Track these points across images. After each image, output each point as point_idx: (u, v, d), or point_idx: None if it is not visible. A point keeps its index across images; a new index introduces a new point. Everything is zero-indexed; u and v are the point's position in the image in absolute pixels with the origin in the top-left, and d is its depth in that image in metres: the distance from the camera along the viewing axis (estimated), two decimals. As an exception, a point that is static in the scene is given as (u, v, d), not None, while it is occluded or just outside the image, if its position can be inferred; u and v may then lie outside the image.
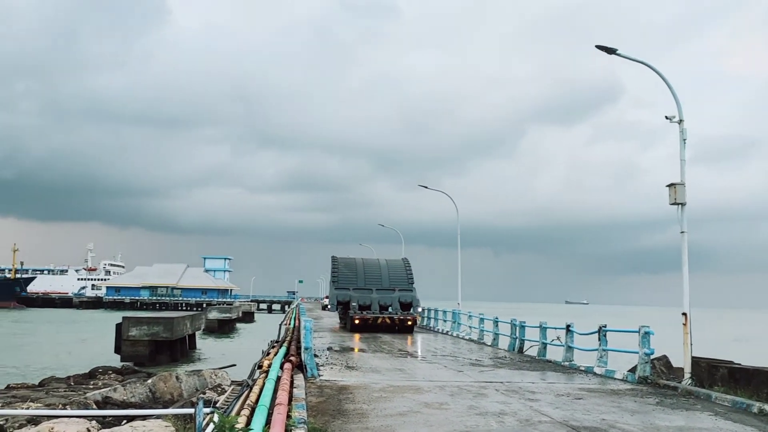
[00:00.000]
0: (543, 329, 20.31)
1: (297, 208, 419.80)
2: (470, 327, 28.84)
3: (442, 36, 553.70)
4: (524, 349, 22.06)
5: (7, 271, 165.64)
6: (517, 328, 22.46)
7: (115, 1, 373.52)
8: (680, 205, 14.69)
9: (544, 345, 20.08)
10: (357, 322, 29.29)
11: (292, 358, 14.87)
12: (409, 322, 29.93)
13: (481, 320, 27.26)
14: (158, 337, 38.94)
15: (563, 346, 18.67)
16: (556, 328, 19.71)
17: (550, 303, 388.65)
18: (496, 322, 25.03)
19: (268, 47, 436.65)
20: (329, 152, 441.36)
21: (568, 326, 18.56)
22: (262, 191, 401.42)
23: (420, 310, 33.91)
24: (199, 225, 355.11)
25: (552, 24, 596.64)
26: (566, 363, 18.05)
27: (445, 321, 33.38)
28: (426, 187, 42.61)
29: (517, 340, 22.36)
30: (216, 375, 23.54)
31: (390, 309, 30.20)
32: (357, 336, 27.28)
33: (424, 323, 37.13)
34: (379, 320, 29.44)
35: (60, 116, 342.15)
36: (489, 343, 24.99)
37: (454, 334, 30.01)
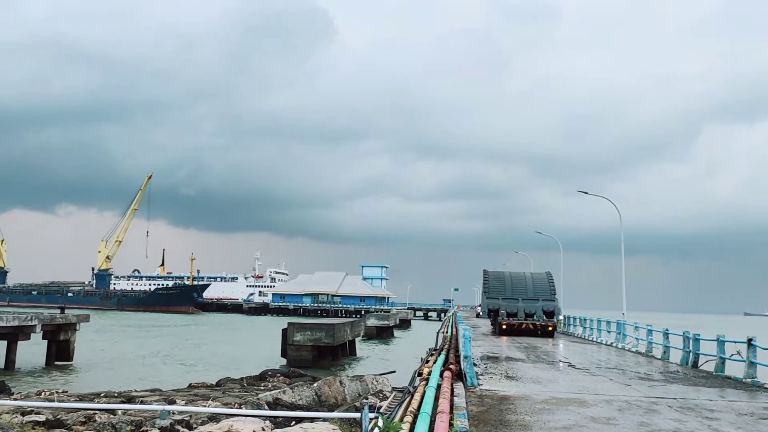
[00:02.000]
0: (720, 343, 18.77)
1: (455, 217, 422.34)
2: (637, 339, 27.37)
3: (604, 37, 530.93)
4: (699, 364, 20.54)
5: (185, 278, 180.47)
6: (691, 341, 20.96)
7: (287, 25, 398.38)
8: None
9: (722, 360, 18.55)
10: (504, 327, 33.18)
11: (451, 366, 14.88)
12: (550, 328, 33.18)
13: (649, 332, 25.77)
14: (321, 343, 40.58)
15: (744, 361, 17.17)
16: (735, 342, 18.16)
17: (727, 314, 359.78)
18: (666, 334, 23.52)
19: (427, 58, 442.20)
20: (489, 160, 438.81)
21: (749, 340, 17.03)
22: (419, 200, 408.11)
23: (561, 318, 37.90)
24: (359, 234, 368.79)
25: (721, 18, 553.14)
26: (748, 380, 16.58)
27: (609, 332, 31.95)
28: (586, 193, 41.18)
29: (691, 353, 20.85)
30: (377, 381, 24.09)
31: (534, 316, 33.35)
32: (515, 345, 26.87)
33: (566, 330, 40.27)
34: (524, 326, 33.16)
35: (237, 135, 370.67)
36: (658, 357, 23.54)
37: (619, 346, 28.64)
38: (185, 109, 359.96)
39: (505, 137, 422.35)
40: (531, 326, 33.10)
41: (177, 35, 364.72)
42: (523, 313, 33.43)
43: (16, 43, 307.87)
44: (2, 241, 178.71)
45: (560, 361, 21.01)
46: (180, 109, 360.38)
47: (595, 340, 33.33)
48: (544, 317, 33.22)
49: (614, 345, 29.37)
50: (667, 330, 23.81)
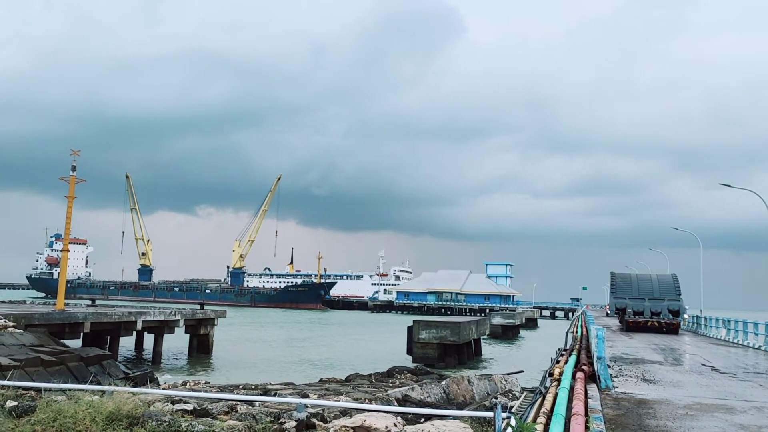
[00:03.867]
0: None
1: (584, 213, 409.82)
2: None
3: (748, 18, 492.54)
4: None
5: (313, 276, 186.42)
6: None
7: (417, 26, 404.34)
8: None
9: None
10: (630, 323, 36.06)
11: (584, 367, 14.43)
12: (674, 325, 35.78)
13: (803, 335, 23.76)
14: (446, 341, 40.61)
15: None
16: None
17: None
18: (822, 338, 21.61)
19: (556, 51, 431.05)
20: (622, 153, 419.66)
21: None
22: (547, 196, 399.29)
23: (686, 317, 40.69)
24: (483, 232, 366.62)
25: None
26: None
27: (756, 335, 29.76)
28: (729, 186, 38.56)
29: None
30: (506, 380, 23.77)
31: (660, 315, 35.74)
32: (651, 347, 25.66)
33: (695, 329, 41.61)
34: (649, 323, 35.75)
35: (365, 135, 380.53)
36: (814, 362, 21.67)
37: (768, 350, 26.61)
38: (316, 111, 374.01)
39: (640, 129, 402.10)
40: (656, 324, 35.64)
41: (310, 41, 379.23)
42: (649, 312, 35.91)
43: (167, 56, 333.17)
44: (148, 241, 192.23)
45: (702, 364, 19.82)
46: (311, 112, 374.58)
47: (740, 342, 31.15)
48: (670, 316, 35.62)
49: (763, 349, 27.34)
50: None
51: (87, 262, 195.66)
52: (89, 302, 51.47)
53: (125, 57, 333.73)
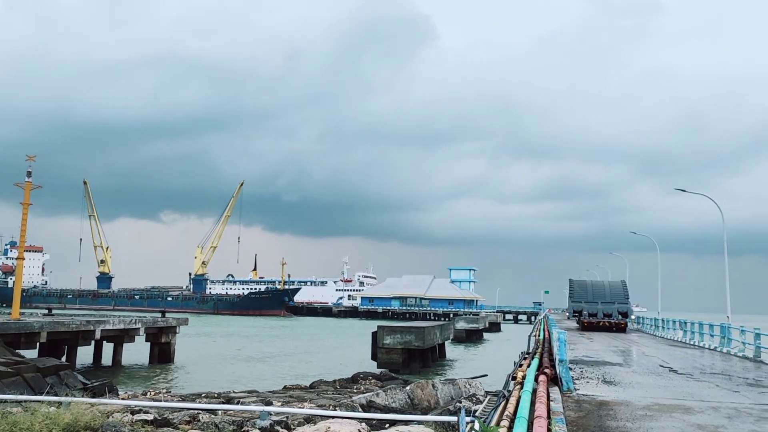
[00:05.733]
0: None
1: (549, 218, 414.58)
2: (743, 343, 25.97)
3: (710, 29, 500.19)
4: (813, 370, 19.32)
5: (277, 283, 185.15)
6: (803, 345, 19.75)
7: (390, 33, 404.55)
8: None
9: (840, 365, 17.39)
10: (585, 324, 41.33)
11: (546, 370, 14.60)
12: (622, 325, 41.15)
13: (757, 335, 24.40)
14: (411, 346, 40.65)
15: None
16: None
17: None
18: (775, 338, 22.23)
19: (527, 58, 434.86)
20: (589, 159, 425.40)
21: None
22: (513, 202, 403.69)
23: (633, 317, 47.56)
24: (449, 237, 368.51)
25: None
26: None
27: (712, 336, 30.49)
28: (684, 191, 39.45)
29: (804, 358, 19.66)
30: (470, 384, 23.90)
31: (612, 316, 40.98)
32: (611, 349, 26.10)
33: (641, 328, 47.84)
34: (601, 323, 40.92)
35: (336, 141, 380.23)
36: (768, 362, 22.27)
37: (724, 350, 27.28)
38: (288, 116, 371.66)
39: (607, 135, 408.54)
40: (607, 323, 40.86)
41: (284, 46, 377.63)
42: (602, 314, 41.06)
43: (138, 59, 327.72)
44: (107, 248, 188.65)
45: (660, 365, 20.21)
46: (282, 117, 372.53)
47: (697, 344, 31.88)
48: (620, 317, 40.89)
49: (718, 349, 28.01)
50: (776, 333, 22.49)
51: (43, 270, 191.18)
52: (46, 311, 50.24)
53: (93, 60, 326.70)
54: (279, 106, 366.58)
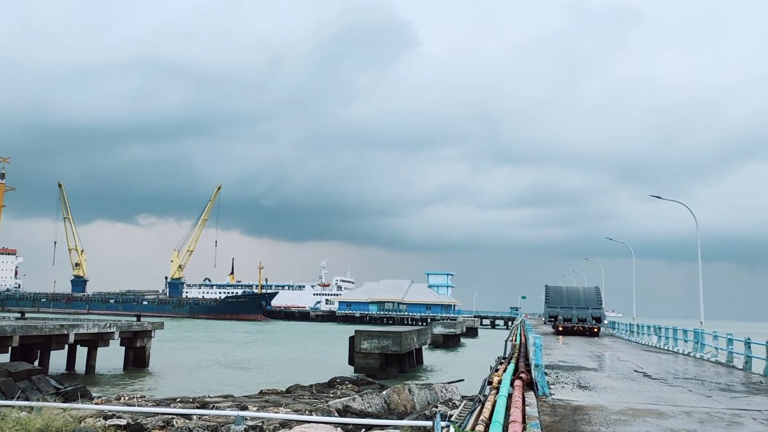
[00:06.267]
0: (807, 352, 17.87)
1: (527, 224, 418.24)
2: (716, 348, 26.31)
3: (689, 38, 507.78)
4: (784, 375, 19.62)
5: (254, 287, 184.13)
6: (774, 350, 20.02)
7: (372, 39, 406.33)
8: None
9: (810, 371, 17.68)
10: (561, 328, 42.95)
11: (522, 375, 14.66)
12: (596, 329, 42.92)
13: (730, 341, 24.72)
14: (388, 351, 40.63)
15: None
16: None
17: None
18: (747, 344, 22.50)
19: (506, 65, 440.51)
20: (568, 165, 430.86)
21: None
22: (492, 207, 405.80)
23: (606, 322, 49.63)
24: (427, 242, 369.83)
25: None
26: (839, 392, 15.73)
27: (686, 341, 30.86)
28: (659, 198, 39.93)
29: (775, 363, 19.93)
30: (446, 389, 23.94)
31: (586, 321, 42.74)
32: (586, 354, 26.31)
33: (614, 332, 48.88)
34: (575, 327, 42.61)
35: (316, 145, 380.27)
36: (740, 367, 22.56)
37: (697, 356, 27.60)
38: (268, 121, 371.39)
39: (586, 142, 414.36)
40: (581, 328, 42.55)
41: (266, 50, 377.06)
42: (576, 318, 42.87)
43: (118, 62, 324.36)
44: (82, 251, 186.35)
45: (634, 370, 20.41)
46: (263, 122, 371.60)
47: (671, 349, 32.25)
48: (594, 321, 42.88)
49: (692, 354, 28.35)
50: (748, 339, 22.79)
51: (16, 273, 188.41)
52: (18, 315, 49.44)
53: (72, 63, 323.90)
54: (260, 110, 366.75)
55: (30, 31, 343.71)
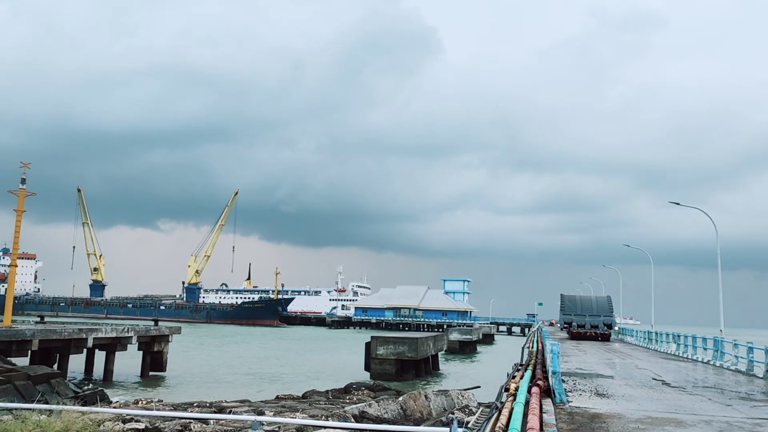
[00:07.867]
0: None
1: (546, 230, 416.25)
2: (736, 356, 25.98)
3: (712, 43, 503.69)
4: (805, 384, 19.34)
5: (270, 292, 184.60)
6: (796, 359, 19.76)
7: (395, 45, 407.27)
8: None
9: (832, 380, 17.41)
10: (575, 333, 46.64)
11: (539, 382, 14.58)
12: (607, 335, 46.77)
13: (750, 349, 24.41)
14: (404, 357, 40.57)
15: None
16: None
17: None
18: None
19: (527, 71, 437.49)
20: (587, 172, 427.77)
21: None
22: (509, 213, 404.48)
23: (616, 328, 53.36)
24: (444, 248, 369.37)
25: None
26: None
27: (705, 349, 30.51)
28: (678, 204, 39.60)
29: (796, 372, 19.66)
30: (462, 396, 23.85)
31: (598, 327, 46.53)
32: (603, 362, 26.09)
33: (623, 338, 51.76)
34: (588, 333, 46.37)
35: (336, 151, 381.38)
36: (760, 376, 22.28)
37: (717, 364, 27.28)
38: (289, 127, 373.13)
39: (605, 148, 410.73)
40: (593, 333, 46.44)
41: (288, 57, 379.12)
42: (589, 325, 46.72)
43: (142, 68, 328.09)
44: (101, 256, 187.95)
45: (653, 378, 20.22)
46: (284, 128, 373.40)
47: (690, 357, 31.90)
48: (605, 328, 46.87)
49: (711, 363, 28.02)
50: (769, 347, 22.48)
51: (36, 277, 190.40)
52: (38, 319, 49.97)
53: (95, 69, 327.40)
54: (281, 116, 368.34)
55: (55, 37, 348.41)
